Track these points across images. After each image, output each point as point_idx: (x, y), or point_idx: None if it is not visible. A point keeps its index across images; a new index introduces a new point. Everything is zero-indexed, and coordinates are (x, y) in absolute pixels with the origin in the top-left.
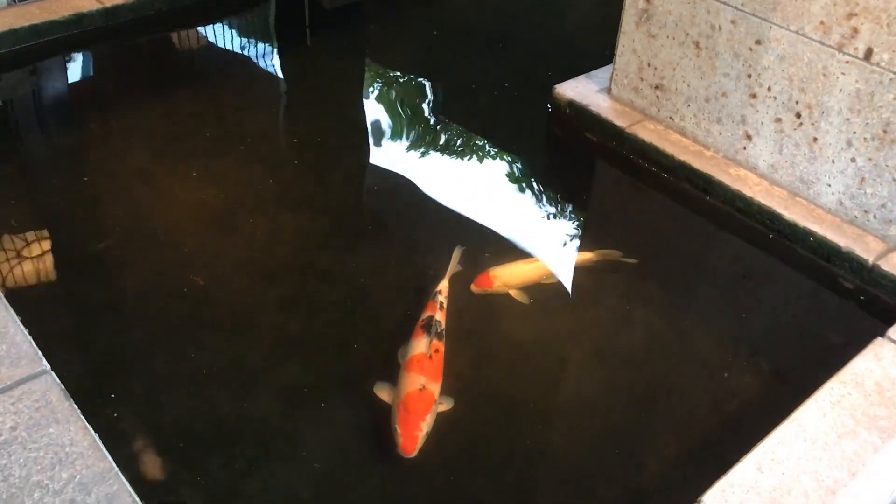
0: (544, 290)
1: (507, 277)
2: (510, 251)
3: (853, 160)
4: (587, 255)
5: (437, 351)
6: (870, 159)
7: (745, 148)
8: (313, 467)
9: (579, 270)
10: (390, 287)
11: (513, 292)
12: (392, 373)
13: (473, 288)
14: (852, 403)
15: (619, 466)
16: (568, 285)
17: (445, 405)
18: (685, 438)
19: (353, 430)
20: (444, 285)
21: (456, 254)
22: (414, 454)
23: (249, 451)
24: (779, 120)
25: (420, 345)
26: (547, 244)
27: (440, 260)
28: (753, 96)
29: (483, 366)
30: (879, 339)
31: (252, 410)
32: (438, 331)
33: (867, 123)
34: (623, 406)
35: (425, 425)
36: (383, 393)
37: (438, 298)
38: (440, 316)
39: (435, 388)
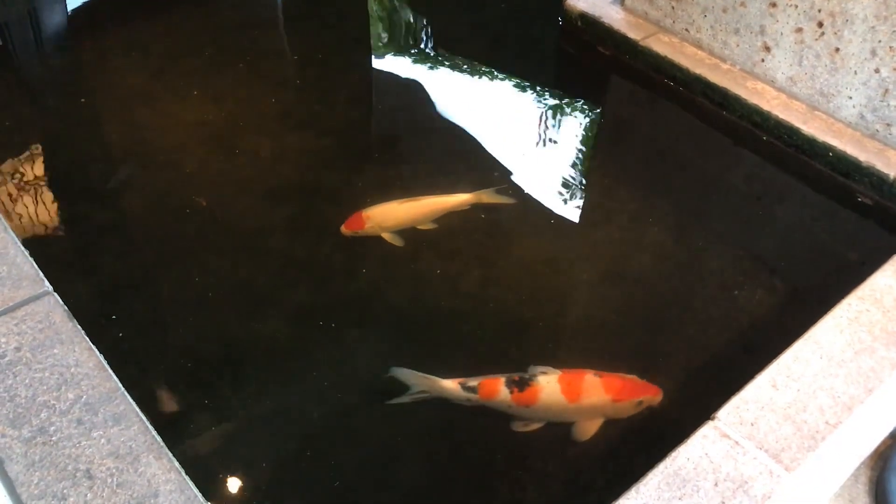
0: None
1: (380, 219)
2: (519, 170)
3: (877, 71)
4: (463, 197)
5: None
6: (895, 69)
7: (763, 60)
8: (322, 387)
9: (460, 212)
10: None
11: (386, 235)
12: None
13: (343, 229)
14: (870, 320)
15: None
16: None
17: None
18: (700, 356)
19: (362, 350)
20: None
21: None
22: None
23: (255, 372)
24: (799, 30)
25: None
26: (555, 160)
27: (447, 180)
28: (773, 5)
29: (490, 285)
30: None
31: (258, 331)
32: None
33: (894, 31)
34: (638, 325)
35: None
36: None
37: None
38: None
39: None
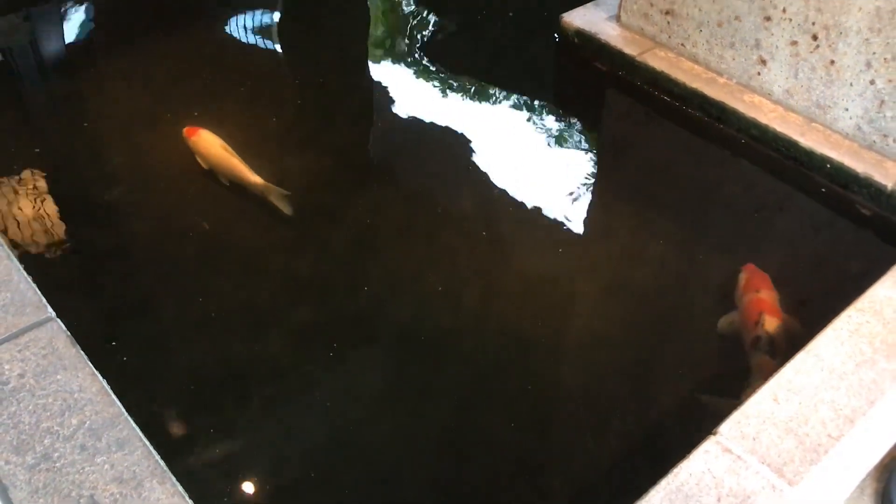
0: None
1: (200, 142)
2: (519, 187)
3: (872, 82)
4: (256, 180)
5: None
6: (890, 81)
7: (759, 73)
8: (326, 408)
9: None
10: (398, 227)
11: (198, 157)
12: None
13: (185, 131)
14: (871, 331)
15: (637, 400)
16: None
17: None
18: (701, 371)
19: (364, 370)
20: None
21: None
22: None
23: (258, 394)
24: (794, 43)
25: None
26: (553, 176)
27: (447, 198)
28: (768, 19)
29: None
30: None
31: (261, 352)
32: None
33: (888, 43)
34: (638, 340)
35: None
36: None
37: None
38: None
39: None
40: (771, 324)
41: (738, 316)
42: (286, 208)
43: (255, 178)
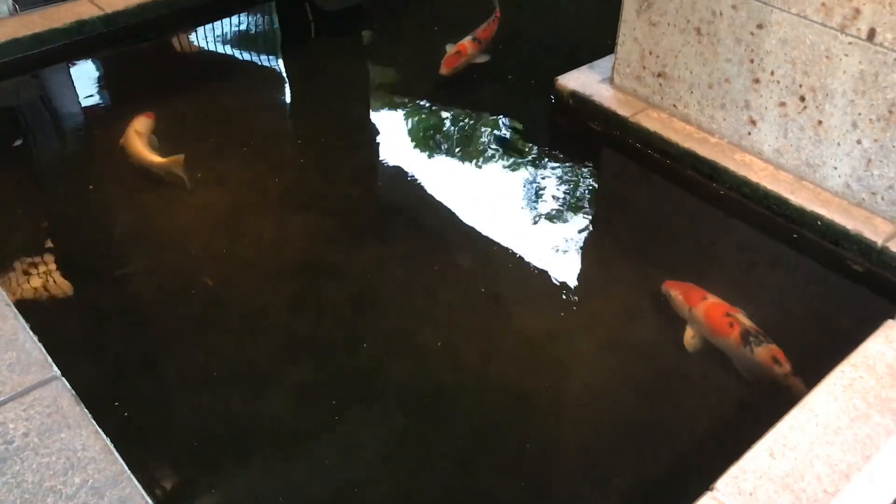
0: None
1: (124, 137)
2: (516, 245)
3: (859, 142)
4: (156, 160)
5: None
6: (876, 140)
7: (749, 133)
8: (326, 466)
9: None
10: (398, 285)
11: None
12: None
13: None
14: (864, 387)
15: (634, 456)
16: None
17: None
18: (698, 426)
19: (364, 428)
20: None
21: None
22: None
23: (259, 452)
24: (783, 104)
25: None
26: (550, 234)
27: (445, 256)
28: (756, 81)
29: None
30: (890, 321)
31: (263, 410)
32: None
33: (872, 104)
34: (635, 396)
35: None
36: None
37: None
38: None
39: None
40: (745, 318)
41: (699, 328)
42: (186, 176)
43: (154, 158)
